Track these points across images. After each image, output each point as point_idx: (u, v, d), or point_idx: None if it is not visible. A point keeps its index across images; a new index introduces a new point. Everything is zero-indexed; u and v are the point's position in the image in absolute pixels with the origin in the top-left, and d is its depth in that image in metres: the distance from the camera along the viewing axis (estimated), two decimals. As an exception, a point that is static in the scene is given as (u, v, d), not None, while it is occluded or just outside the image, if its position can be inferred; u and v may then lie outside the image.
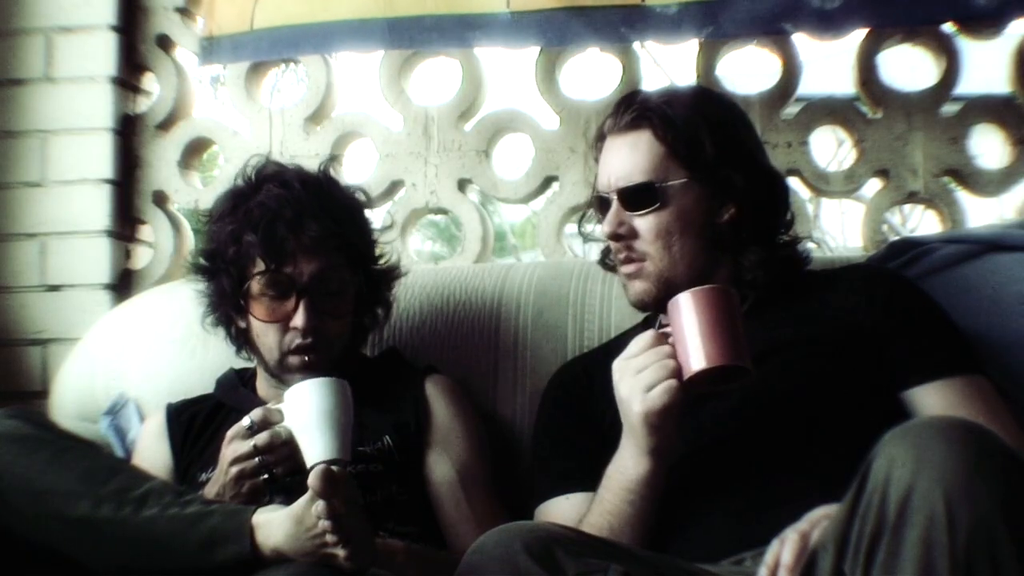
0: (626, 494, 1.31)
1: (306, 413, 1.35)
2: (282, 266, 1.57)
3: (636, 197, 1.47)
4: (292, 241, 1.57)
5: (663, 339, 1.28)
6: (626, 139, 1.50)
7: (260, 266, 1.58)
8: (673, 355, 1.26)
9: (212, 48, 2.32)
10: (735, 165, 1.48)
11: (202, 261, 1.67)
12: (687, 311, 1.26)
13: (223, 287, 1.63)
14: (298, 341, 1.58)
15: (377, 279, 1.73)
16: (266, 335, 1.60)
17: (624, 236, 1.48)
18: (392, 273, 1.76)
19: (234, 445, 1.39)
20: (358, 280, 1.67)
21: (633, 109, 1.50)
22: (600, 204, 1.54)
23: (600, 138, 1.57)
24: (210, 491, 1.43)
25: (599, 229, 1.63)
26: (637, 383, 1.26)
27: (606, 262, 1.64)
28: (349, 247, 1.65)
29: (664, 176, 1.47)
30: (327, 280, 1.61)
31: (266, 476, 1.39)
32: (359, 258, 1.68)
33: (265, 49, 2.31)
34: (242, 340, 1.69)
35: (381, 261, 1.74)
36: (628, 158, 1.49)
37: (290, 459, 1.37)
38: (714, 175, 1.47)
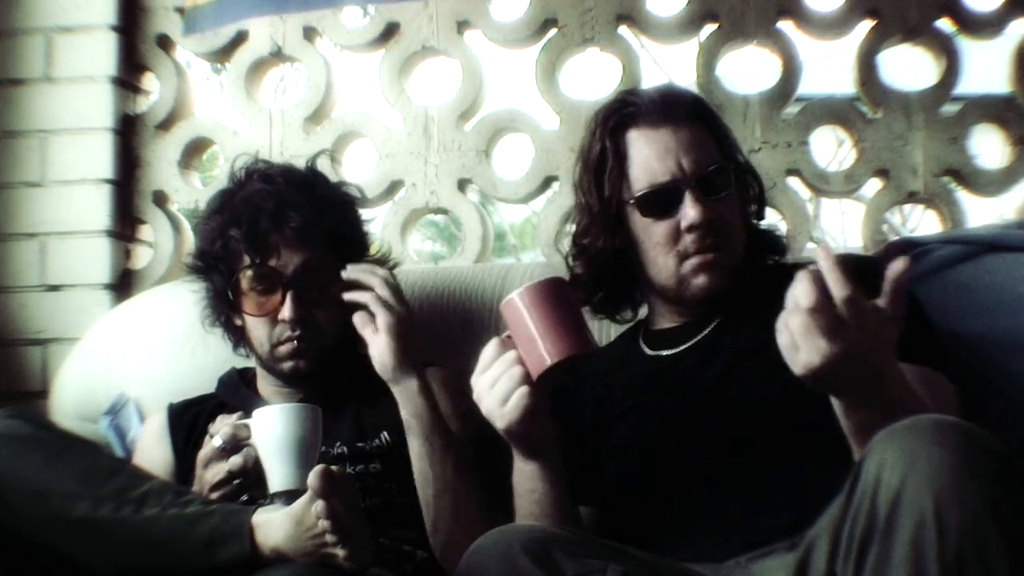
0: (528, 494, 1.33)
1: (270, 439, 1.34)
2: (267, 259, 1.58)
3: (716, 183, 1.47)
4: (275, 234, 1.58)
5: (508, 344, 1.27)
6: (687, 131, 1.48)
7: (246, 261, 1.59)
8: (520, 360, 1.25)
9: (195, 17, 2.32)
10: (741, 159, 1.57)
11: (195, 260, 1.68)
12: (522, 310, 1.25)
13: (215, 284, 1.65)
14: (287, 333, 1.59)
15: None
16: (257, 329, 1.61)
17: (714, 222, 1.45)
18: (382, 265, 1.75)
19: (211, 470, 1.39)
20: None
21: (682, 104, 1.51)
22: (657, 199, 1.47)
23: (621, 128, 1.51)
24: None
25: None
26: (493, 398, 1.26)
27: (600, 310, 1.61)
28: (335, 239, 1.65)
29: (725, 161, 1.50)
30: (313, 271, 1.61)
31: (247, 497, 1.39)
32: (346, 250, 1.67)
33: (247, 8, 2.31)
34: (238, 337, 1.70)
35: (370, 253, 1.74)
36: (699, 147, 1.48)
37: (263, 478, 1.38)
38: (739, 167, 1.54)
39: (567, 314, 1.25)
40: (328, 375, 1.64)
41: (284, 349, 1.60)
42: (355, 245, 1.71)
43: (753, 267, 1.53)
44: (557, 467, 1.33)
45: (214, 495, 1.38)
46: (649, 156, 1.47)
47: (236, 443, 1.38)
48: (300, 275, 1.60)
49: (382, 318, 1.50)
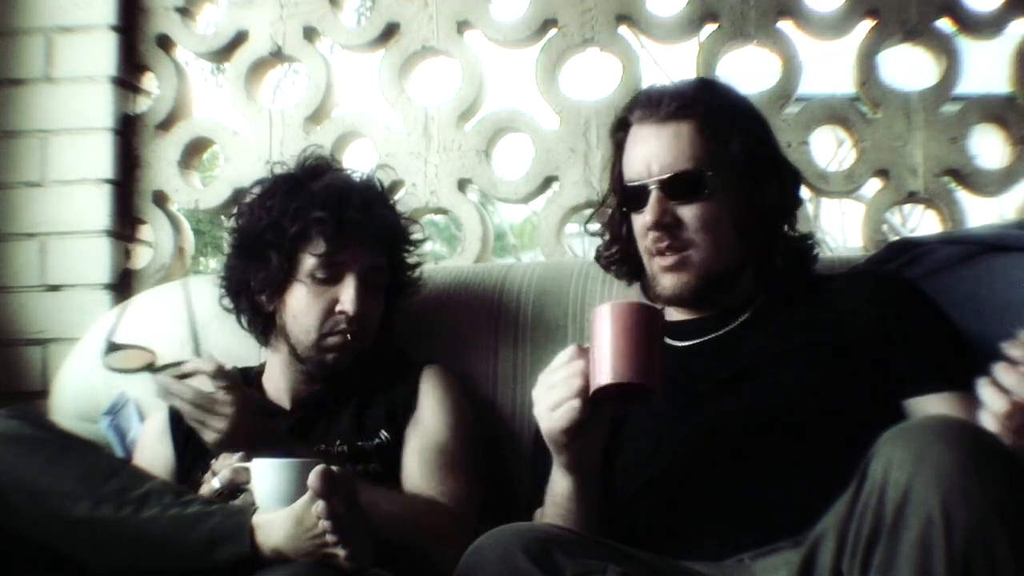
0: (557, 508, 1.33)
1: (268, 493, 1.31)
2: (341, 249, 1.60)
3: (682, 185, 1.46)
4: (357, 226, 1.61)
5: (582, 354, 1.24)
6: (667, 128, 1.48)
7: (320, 247, 1.60)
8: (584, 372, 1.22)
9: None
10: (765, 158, 1.52)
11: (246, 238, 1.66)
12: (604, 323, 1.22)
13: (267, 265, 1.62)
14: (342, 325, 1.60)
15: (406, 286, 1.76)
16: (307, 316, 1.61)
17: (669, 225, 1.46)
18: (418, 283, 1.79)
19: None
20: (391, 282, 1.71)
21: (675, 99, 1.49)
22: (630, 194, 1.51)
23: (622, 127, 1.55)
24: None
25: (590, 251, 1.67)
26: (546, 401, 1.25)
27: (602, 259, 1.65)
28: (396, 248, 1.70)
29: (708, 165, 1.47)
30: (378, 272, 1.66)
31: None
32: (399, 262, 1.72)
33: None
34: (264, 326, 1.69)
35: (414, 272, 1.77)
36: (671, 146, 1.47)
37: None
38: (750, 167, 1.49)
39: (646, 344, 1.21)
40: (351, 374, 1.65)
41: (334, 340, 1.61)
42: (406, 261, 1.75)
43: (776, 272, 1.52)
44: (591, 490, 1.32)
45: None
46: (631, 153, 1.52)
47: (234, 487, 1.37)
48: (365, 273, 1.62)
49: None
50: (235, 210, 1.75)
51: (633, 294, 1.65)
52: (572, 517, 1.31)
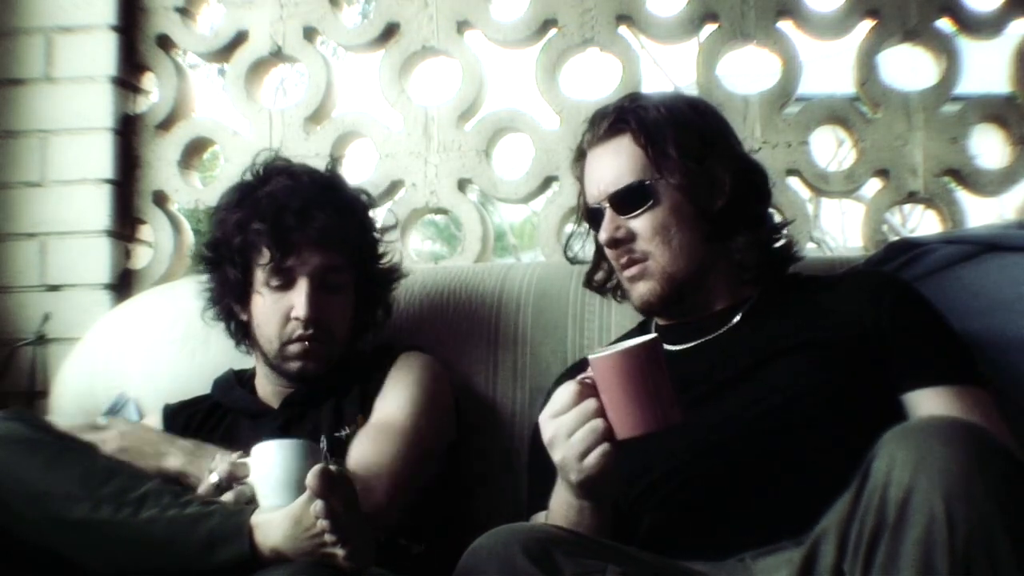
0: (568, 524, 1.28)
1: (269, 475, 1.31)
2: (287, 256, 1.59)
3: (628, 199, 1.49)
4: (298, 232, 1.59)
5: (587, 391, 1.20)
6: (607, 147, 1.53)
7: (265, 256, 1.59)
8: (601, 413, 1.19)
9: None
10: (716, 157, 1.51)
11: (206, 251, 1.67)
12: (612, 374, 1.18)
13: (227, 277, 1.64)
14: (299, 331, 1.59)
15: (378, 279, 1.74)
16: (267, 325, 1.61)
17: (623, 240, 1.50)
18: (393, 274, 1.76)
19: None
20: (358, 278, 1.68)
21: (607, 118, 1.54)
22: (592, 216, 1.57)
23: (580, 156, 1.60)
24: None
25: (589, 250, 1.68)
26: (571, 450, 1.19)
27: (593, 282, 1.68)
28: (352, 244, 1.66)
29: (651, 175, 1.49)
30: (330, 273, 1.62)
31: None
32: (361, 256, 1.69)
33: None
34: (242, 334, 1.70)
35: (383, 261, 1.75)
36: (613, 164, 1.52)
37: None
38: (697, 168, 1.49)
39: (659, 383, 1.18)
40: (329, 376, 1.64)
41: (294, 348, 1.60)
42: (370, 252, 1.72)
43: (756, 273, 1.52)
44: (607, 510, 1.30)
45: None
46: (586, 178, 1.57)
47: (233, 480, 1.36)
48: (318, 275, 1.61)
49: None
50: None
51: (627, 310, 1.65)
52: (581, 529, 1.29)
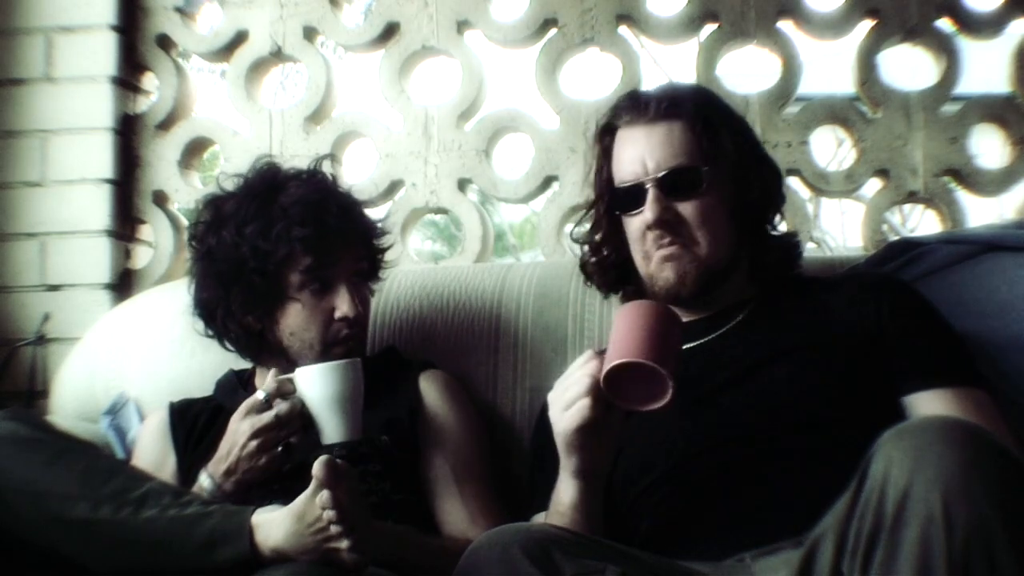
0: (560, 517, 1.31)
1: (319, 396, 1.39)
2: (329, 258, 1.61)
3: (679, 182, 1.48)
4: (338, 234, 1.62)
5: (599, 356, 1.26)
6: (658, 128, 1.50)
7: (305, 261, 1.59)
8: (598, 371, 1.23)
9: None
10: (752, 156, 1.55)
11: (221, 266, 1.62)
12: (625, 317, 1.25)
13: (251, 290, 1.60)
14: (345, 331, 1.61)
15: (378, 269, 1.77)
16: (308, 331, 1.61)
17: (670, 222, 1.47)
18: (387, 265, 1.80)
19: (252, 418, 1.41)
20: (371, 264, 1.74)
21: (658, 100, 1.52)
22: (624, 193, 1.52)
23: (608, 131, 1.57)
24: (218, 469, 1.44)
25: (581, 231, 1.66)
26: (559, 401, 1.26)
27: (590, 265, 1.65)
28: (374, 245, 1.72)
29: (704, 161, 1.49)
30: (366, 272, 1.69)
31: (283, 447, 1.42)
32: (376, 256, 1.74)
33: None
34: (255, 344, 1.66)
35: (385, 252, 1.78)
36: (665, 145, 1.49)
37: (303, 430, 1.41)
38: (739, 164, 1.51)
39: (663, 335, 1.23)
40: None
41: (340, 349, 1.61)
42: (378, 244, 1.75)
43: (767, 269, 1.54)
44: (596, 502, 1.32)
45: (252, 443, 1.40)
46: (621, 155, 1.53)
47: (280, 395, 1.41)
48: (359, 275, 1.66)
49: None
50: (193, 231, 1.69)
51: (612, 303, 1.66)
52: (576, 527, 1.30)
